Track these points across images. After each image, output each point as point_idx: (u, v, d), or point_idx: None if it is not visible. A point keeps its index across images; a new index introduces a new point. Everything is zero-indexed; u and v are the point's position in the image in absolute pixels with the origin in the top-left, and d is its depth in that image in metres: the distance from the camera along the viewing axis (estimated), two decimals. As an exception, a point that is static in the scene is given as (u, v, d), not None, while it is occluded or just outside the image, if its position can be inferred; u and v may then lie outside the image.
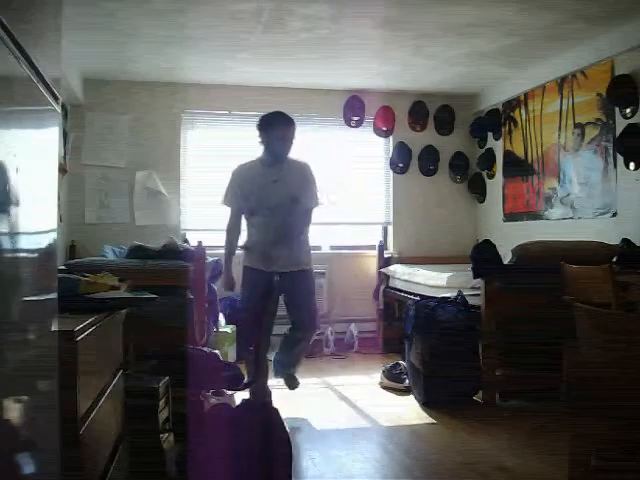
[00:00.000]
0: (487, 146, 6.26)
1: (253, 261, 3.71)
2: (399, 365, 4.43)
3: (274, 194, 3.63)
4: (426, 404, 3.89)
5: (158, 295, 2.13)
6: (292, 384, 3.85)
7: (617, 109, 4.40)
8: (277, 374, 3.93)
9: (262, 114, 3.74)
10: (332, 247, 6.28)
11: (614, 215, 4.44)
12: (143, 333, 2.60)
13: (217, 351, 3.66)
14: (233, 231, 3.78)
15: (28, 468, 1.03)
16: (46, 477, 1.13)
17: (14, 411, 0.94)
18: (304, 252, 3.78)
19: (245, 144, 5.94)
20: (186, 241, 5.18)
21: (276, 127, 3.60)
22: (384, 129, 6.25)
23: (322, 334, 5.77)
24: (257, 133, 3.67)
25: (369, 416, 3.77)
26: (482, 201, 6.39)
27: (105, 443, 1.74)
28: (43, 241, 1.15)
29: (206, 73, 5.55)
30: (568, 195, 5.01)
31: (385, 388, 4.38)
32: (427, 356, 3.89)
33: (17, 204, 0.95)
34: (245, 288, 3.75)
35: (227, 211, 3.79)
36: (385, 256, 6.17)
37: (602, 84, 4.52)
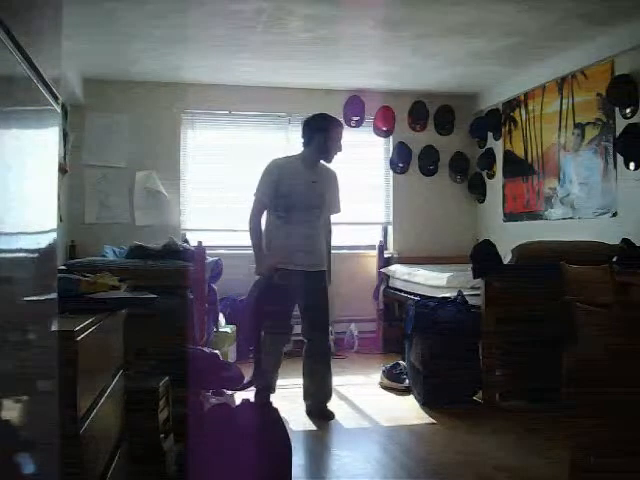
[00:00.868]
0: (487, 146, 6.26)
1: (280, 259, 3.68)
2: (399, 365, 4.43)
3: (313, 194, 3.74)
4: (426, 404, 3.89)
5: (158, 295, 2.13)
6: (329, 417, 3.74)
7: (617, 109, 4.40)
8: (312, 412, 3.75)
9: (313, 115, 3.83)
10: (332, 247, 6.27)
11: (614, 215, 4.44)
12: (143, 333, 2.59)
13: (217, 351, 3.66)
14: (259, 224, 3.76)
15: (28, 468, 1.03)
16: (46, 477, 1.13)
17: (14, 411, 0.94)
18: (324, 254, 3.89)
19: (245, 144, 6.00)
20: (186, 241, 5.17)
21: (335, 129, 3.75)
22: (384, 129, 6.25)
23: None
24: (301, 132, 3.78)
25: (369, 416, 3.77)
26: (482, 201, 6.39)
27: (105, 443, 1.74)
28: (43, 241, 1.15)
29: (206, 73, 5.55)
30: (568, 195, 5.01)
31: (385, 388, 4.38)
32: (427, 356, 3.90)
33: (17, 204, 0.95)
34: (272, 287, 3.65)
35: (250, 202, 3.76)
36: (385, 256, 6.18)
37: (602, 84, 4.53)
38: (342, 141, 3.80)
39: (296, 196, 3.70)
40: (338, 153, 3.81)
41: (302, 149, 3.83)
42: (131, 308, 2.05)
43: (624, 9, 3.95)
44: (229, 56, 5.05)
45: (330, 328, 5.73)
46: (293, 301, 3.79)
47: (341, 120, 3.83)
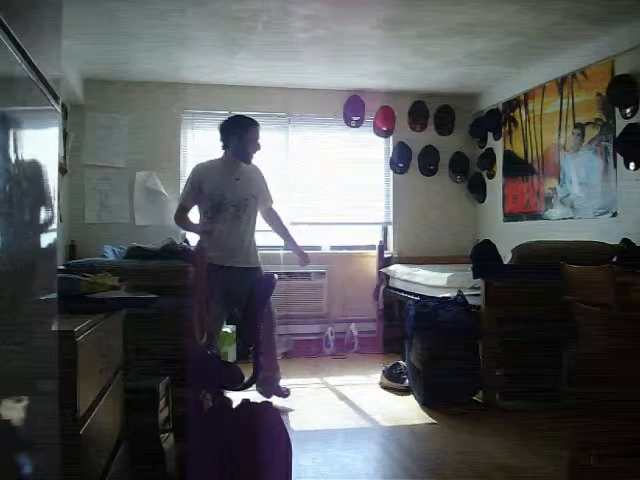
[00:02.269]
0: (487, 146, 6.26)
1: (212, 257, 3.65)
2: (399, 365, 4.43)
3: (237, 191, 3.80)
4: (426, 404, 3.89)
5: (158, 295, 2.13)
6: (284, 394, 3.90)
7: (617, 109, 4.40)
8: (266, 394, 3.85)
9: (228, 117, 3.99)
10: (332, 247, 6.28)
11: (614, 215, 4.44)
12: (143, 333, 2.60)
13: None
14: (187, 220, 3.91)
15: (28, 468, 1.03)
16: (46, 477, 1.13)
17: (14, 411, 0.94)
18: (255, 250, 3.92)
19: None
20: (186, 241, 5.17)
21: (249, 130, 3.80)
22: (384, 129, 6.25)
23: (322, 334, 5.78)
24: (220, 137, 3.84)
25: (369, 416, 3.77)
26: (482, 201, 6.39)
27: (105, 443, 1.74)
28: (43, 241, 1.15)
29: (206, 73, 5.55)
30: (568, 195, 5.01)
31: (385, 388, 4.38)
32: (427, 356, 3.90)
33: (17, 204, 0.95)
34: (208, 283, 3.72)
35: (176, 205, 3.93)
36: (385, 256, 6.17)
37: (602, 84, 4.52)
38: (260, 140, 3.83)
39: (220, 196, 3.76)
40: (258, 152, 3.86)
41: (222, 152, 3.87)
42: (131, 308, 2.05)
43: (624, 9, 3.94)
44: (229, 56, 5.05)
45: (330, 328, 5.78)
46: (227, 298, 3.73)
47: (255, 119, 3.90)
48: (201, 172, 3.85)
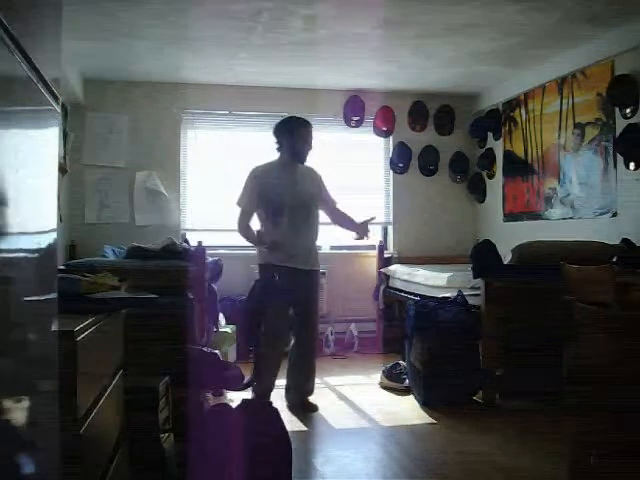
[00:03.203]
0: (487, 146, 6.26)
1: (275, 259, 3.75)
2: (399, 365, 4.43)
3: (297, 195, 3.80)
4: (426, 404, 3.89)
5: (158, 295, 2.13)
6: (312, 409, 3.85)
7: (617, 109, 4.40)
8: (294, 405, 3.85)
9: (280, 119, 3.99)
10: (332, 247, 6.27)
11: (614, 215, 4.44)
12: (143, 333, 2.60)
13: (217, 351, 3.67)
14: (248, 228, 3.85)
15: (28, 468, 1.03)
16: (46, 477, 1.13)
17: (14, 411, 0.94)
18: (316, 252, 3.99)
19: (245, 144, 5.99)
20: (186, 241, 5.17)
21: (300, 130, 3.82)
22: (384, 129, 6.25)
23: (322, 334, 5.78)
24: (275, 139, 3.86)
25: (369, 416, 3.77)
26: (482, 201, 6.39)
27: (105, 443, 1.74)
28: (43, 241, 1.15)
29: (206, 73, 5.55)
30: (568, 195, 5.01)
31: (385, 388, 4.38)
32: (427, 356, 3.90)
33: (17, 204, 0.95)
34: (265, 285, 3.76)
35: (237, 210, 3.85)
36: (385, 256, 6.17)
37: (602, 84, 4.52)
38: (313, 140, 3.87)
39: (281, 199, 3.76)
40: (310, 151, 3.88)
41: (278, 154, 3.89)
42: (131, 308, 2.05)
43: (624, 9, 3.95)
44: (229, 56, 5.05)
45: (330, 328, 5.78)
46: (287, 300, 3.80)
47: (309, 119, 3.94)
48: (258, 175, 3.83)
